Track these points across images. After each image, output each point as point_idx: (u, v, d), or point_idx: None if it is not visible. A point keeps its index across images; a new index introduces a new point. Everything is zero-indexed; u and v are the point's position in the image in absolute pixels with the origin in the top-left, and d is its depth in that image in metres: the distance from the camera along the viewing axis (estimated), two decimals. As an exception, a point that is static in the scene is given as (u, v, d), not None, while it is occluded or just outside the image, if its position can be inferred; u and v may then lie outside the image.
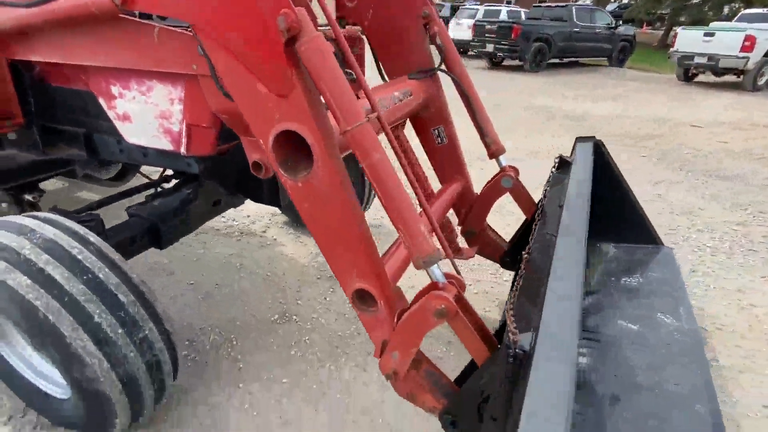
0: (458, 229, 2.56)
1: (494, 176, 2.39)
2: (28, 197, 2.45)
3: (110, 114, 1.95)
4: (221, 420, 1.96)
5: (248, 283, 2.94)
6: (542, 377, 1.05)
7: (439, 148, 2.48)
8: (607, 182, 2.62)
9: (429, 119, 2.42)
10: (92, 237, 1.64)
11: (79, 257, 1.54)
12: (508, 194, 2.39)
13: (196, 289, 2.87)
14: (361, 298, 1.56)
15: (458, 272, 1.50)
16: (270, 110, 1.39)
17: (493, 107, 8.50)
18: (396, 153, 1.51)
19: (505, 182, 2.36)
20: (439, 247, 1.48)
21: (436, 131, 2.45)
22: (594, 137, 2.59)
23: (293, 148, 1.42)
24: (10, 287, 1.44)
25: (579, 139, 2.63)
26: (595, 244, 2.76)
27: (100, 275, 1.54)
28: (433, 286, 1.41)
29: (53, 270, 1.48)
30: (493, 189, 2.40)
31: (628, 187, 2.62)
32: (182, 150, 1.85)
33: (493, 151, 2.33)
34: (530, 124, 7.40)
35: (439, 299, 1.36)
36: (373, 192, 3.43)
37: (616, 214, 2.70)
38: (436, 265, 1.40)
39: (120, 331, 1.54)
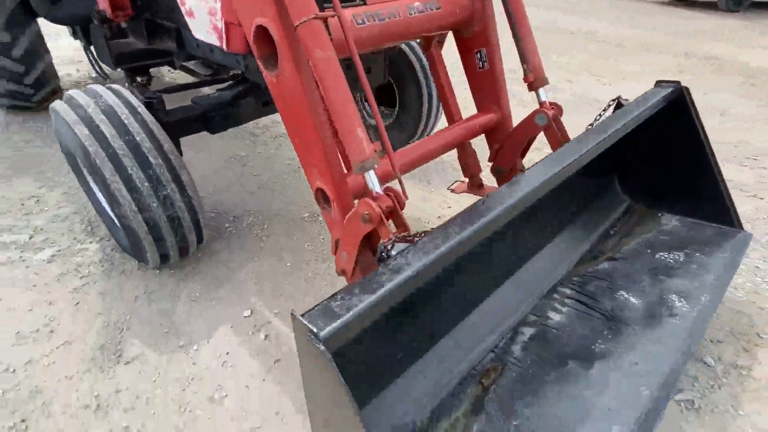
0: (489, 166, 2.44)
1: (532, 112, 2.17)
2: (139, 79, 3.05)
3: (182, 10, 2.27)
4: (231, 279, 2.38)
5: (298, 184, 3.28)
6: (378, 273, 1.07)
7: (480, 73, 2.31)
8: (685, 142, 2.18)
9: (471, 39, 2.25)
10: (141, 108, 2.05)
11: (125, 121, 1.95)
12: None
13: (257, 181, 3.32)
14: (324, 197, 1.70)
15: (403, 190, 1.52)
16: (250, 6, 1.52)
17: (637, 47, 7.16)
18: (357, 65, 1.49)
19: (539, 120, 2.14)
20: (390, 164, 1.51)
21: (479, 54, 2.28)
22: (679, 82, 2.14)
23: (272, 44, 1.54)
24: (77, 135, 1.93)
25: (659, 83, 2.20)
26: (656, 214, 2.38)
27: (138, 138, 1.95)
28: (368, 193, 1.47)
29: (104, 127, 1.92)
30: (526, 127, 2.20)
31: (711, 153, 2.15)
32: (223, 45, 2.10)
33: (532, 81, 2.10)
34: (674, 75, 6.08)
35: (366, 206, 1.42)
36: (433, 118, 3.38)
37: (691, 182, 2.27)
38: (371, 173, 1.45)
39: (146, 184, 1.95)
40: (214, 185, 3.23)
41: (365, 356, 1.33)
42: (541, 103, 2.14)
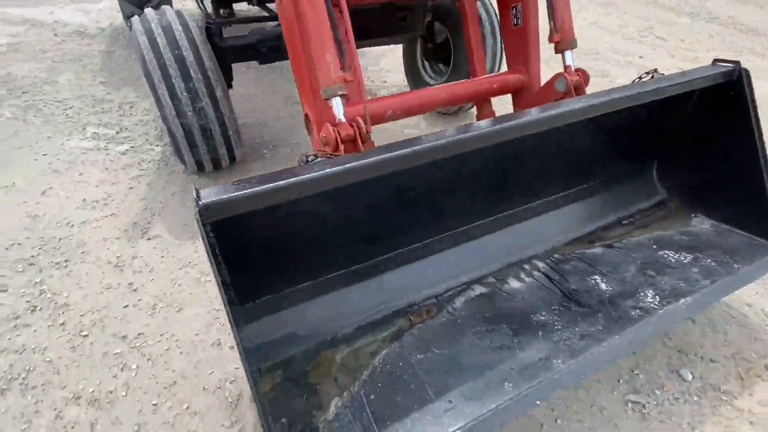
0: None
1: (553, 75, 2.04)
2: (222, 11, 3.41)
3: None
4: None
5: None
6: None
7: (513, 30, 2.22)
8: (735, 136, 1.90)
9: (507, -7, 2.15)
10: (193, 29, 2.35)
11: (177, 37, 2.27)
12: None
13: (297, 117, 3.56)
14: (309, 122, 1.85)
15: (367, 121, 1.59)
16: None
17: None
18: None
19: (559, 84, 2.01)
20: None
21: (514, 10, 2.18)
22: (738, 63, 1.84)
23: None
24: (140, 45, 2.30)
25: (716, 61, 1.91)
26: (689, 214, 2.14)
27: (184, 53, 2.26)
28: (332, 120, 1.58)
29: (159, 40, 2.26)
30: (546, 91, 2.08)
31: (763, 153, 1.84)
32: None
33: (558, 41, 1.97)
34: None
35: (326, 129, 1.54)
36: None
37: (735, 184, 1.99)
38: (337, 100, 1.55)
39: (185, 94, 2.28)
40: (266, 119, 3.56)
41: (273, 252, 1.46)
42: (566, 68, 2.01)
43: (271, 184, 1.13)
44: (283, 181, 1.14)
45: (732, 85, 1.85)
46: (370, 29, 2.55)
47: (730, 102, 1.89)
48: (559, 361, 1.41)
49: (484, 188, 1.89)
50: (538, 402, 1.30)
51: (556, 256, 1.93)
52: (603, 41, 5.52)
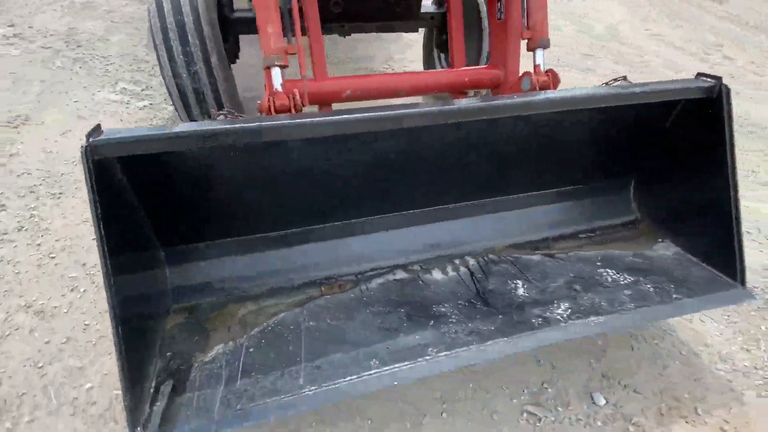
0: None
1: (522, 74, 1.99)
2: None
3: None
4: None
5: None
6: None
7: (496, 24, 2.17)
8: (709, 160, 1.76)
9: (493, -13, 2.11)
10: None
11: (181, 3, 2.45)
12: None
13: None
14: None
15: (304, 94, 1.66)
16: None
17: None
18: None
19: (524, 83, 1.95)
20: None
21: (499, 4, 2.12)
22: (720, 78, 1.70)
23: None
24: (149, 10, 2.50)
25: (700, 75, 1.77)
26: (656, 238, 2.01)
27: (185, 19, 2.43)
28: (270, 89, 1.66)
29: (165, 5, 2.44)
30: (514, 89, 2.02)
31: (733, 181, 1.70)
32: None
33: (529, 39, 1.91)
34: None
35: (264, 97, 1.63)
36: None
37: (704, 212, 1.85)
38: (276, 70, 1.63)
39: (181, 57, 2.46)
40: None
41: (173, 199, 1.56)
42: (535, 67, 1.94)
43: (157, 132, 1.24)
44: (170, 131, 1.24)
45: (711, 102, 1.71)
46: (363, 13, 2.59)
47: (708, 122, 1.75)
48: (435, 350, 1.41)
49: (439, 175, 1.88)
50: (395, 383, 1.32)
51: (491, 256, 1.89)
52: (659, 55, 5.14)
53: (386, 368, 1.33)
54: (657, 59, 4.99)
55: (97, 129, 1.24)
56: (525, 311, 1.58)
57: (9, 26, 4.32)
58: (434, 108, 1.49)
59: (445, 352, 1.39)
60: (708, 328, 2.01)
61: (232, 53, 2.91)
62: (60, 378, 1.64)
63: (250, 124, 1.29)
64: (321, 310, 1.62)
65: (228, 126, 1.26)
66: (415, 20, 2.76)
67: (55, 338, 1.74)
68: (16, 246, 2.11)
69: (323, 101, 1.97)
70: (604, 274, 1.79)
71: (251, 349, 1.46)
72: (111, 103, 3.30)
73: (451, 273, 1.81)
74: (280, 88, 1.64)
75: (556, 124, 1.88)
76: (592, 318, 1.53)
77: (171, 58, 2.45)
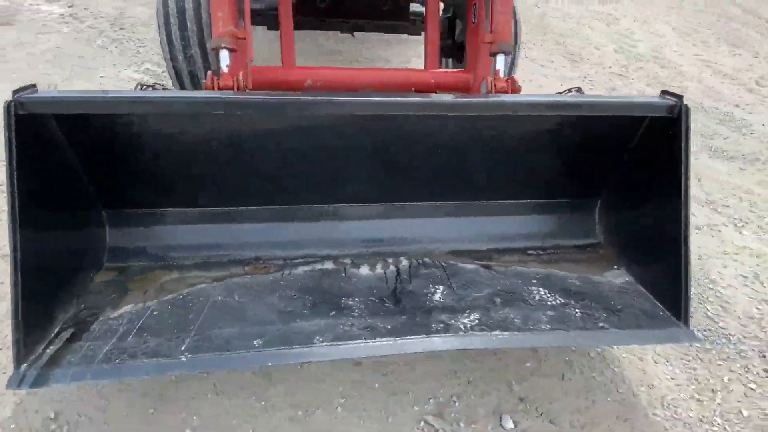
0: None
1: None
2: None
3: None
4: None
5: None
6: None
7: (471, 28, 2.13)
8: (665, 185, 1.64)
9: (470, -10, 2.07)
10: (203, -14, 2.66)
11: (185, -9, 2.61)
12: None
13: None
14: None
15: (248, 77, 1.71)
16: None
17: None
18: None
19: (482, 88, 1.89)
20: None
21: (474, 6, 2.08)
22: (681, 97, 1.58)
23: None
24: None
25: (664, 93, 1.66)
26: (612, 265, 1.89)
27: (186, 5, 2.58)
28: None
29: (170, -9, 2.61)
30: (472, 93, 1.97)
31: (686, 207, 1.57)
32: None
33: (491, 43, 1.86)
34: None
35: (209, 76, 1.70)
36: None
37: (655, 240, 1.73)
38: (224, 54, 1.70)
39: (179, 41, 2.61)
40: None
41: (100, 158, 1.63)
42: (495, 72, 1.88)
43: (83, 95, 1.34)
44: (93, 95, 1.34)
45: (672, 123, 1.59)
46: (349, 10, 2.62)
47: (668, 143, 1.62)
48: (321, 339, 1.40)
49: (387, 171, 1.88)
50: (269, 364, 1.33)
51: (425, 259, 1.85)
52: (701, 81, 4.78)
53: (265, 349, 1.34)
54: (697, 86, 4.65)
55: (29, 87, 1.35)
56: (431, 316, 1.53)
57: (69, 6, 4.78)
58: (369, 98, 1.51)
59: (328, 343, 1.38)
60: (659, 370, 1.85)
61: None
62: None
63: (170, 95, 1.37)
64: (236, 287, 1.66)
65: (143, 95, 1.34)
66: (406, 21, 2.75)
67: None
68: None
69: (283, 88, 2.03)
70: (535, 292, 1.70)
71: (155, 312, 1.52)
72: (132, 81, 3.55)
73: (379, 270, 1.79)
74: (225, 69, 1.71)
75: (512, 132, 1.82)
76: (496, 332, 1.45)
77: (170, 42, 2.61)
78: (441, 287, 1.70)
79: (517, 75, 4.37)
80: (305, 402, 1.59)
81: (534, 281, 1.76)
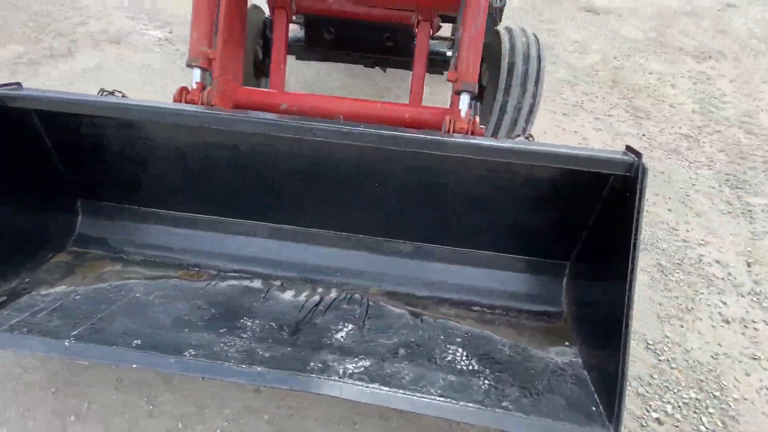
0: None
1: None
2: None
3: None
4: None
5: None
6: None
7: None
8: (615, 253, 1.42)
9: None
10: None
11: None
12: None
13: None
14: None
15: (211, 95, 1.82)
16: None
17: None
18: None
19: (444, 126, 1.79)
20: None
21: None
22: (641, 155, 1.37)
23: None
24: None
25: (628, 149, 1.45)
26: (563, 341, 1.66)
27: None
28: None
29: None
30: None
31: (629, 280, 1.34)
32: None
33: (455, 81, 1.78)
34: None
35: (177, 90, 1.85)
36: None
37: (602, 320, 1.49)
38: (196, 71, 1.84)
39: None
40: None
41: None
42: (457, 111, 1.79)
43: (54, 95, 1.54)
44: (65, 97, 1.54)
45: (631, 183, 1.37)
46: (353, 44, 2.68)
47: (621, 209, 1.39)
48: (192, 351, 1.38)
49: (341, 200, 1.86)
50: (132, 365, 1.34)
51: (355, 295, 1.76)
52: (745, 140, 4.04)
53: (133, 350, 1.36)
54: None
55: (13, 84, 1.59)
56: (318, 354, 1.44)
57: (169, 32, 5.58)
58: (286, 121, 1.53)
59: (196, 357, 1.35)
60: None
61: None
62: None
63: (122, 102, 1.53)
64: (159, 288, 1.72)
65: (99, 100, 1.51)
66: (409, 57, 2.74)
67: None
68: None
69: (260, 109, 2.13)
70: (451, 351, 1.51)
71: (77, 297, 1.63)
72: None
73: (301, 298, 1.74)
74: (194, 86, 1.84)
75: (465, 175, 1.70)
76: (373, 386, 1.30)
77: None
78: (351, 326, 1.59)
79: (561, 125, 4.08)
80: (189, 415, 1.56)
81: (458, 340, 1.58)
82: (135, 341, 1.42)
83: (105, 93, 1.68)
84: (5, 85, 1.57)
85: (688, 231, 2.73)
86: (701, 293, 2.28)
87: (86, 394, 1.59)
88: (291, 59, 3.24)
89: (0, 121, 1.57)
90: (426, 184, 1.76)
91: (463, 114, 1.77)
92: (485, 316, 1.73)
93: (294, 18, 2.71)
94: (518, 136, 1.58)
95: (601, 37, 6.99)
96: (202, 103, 1.82)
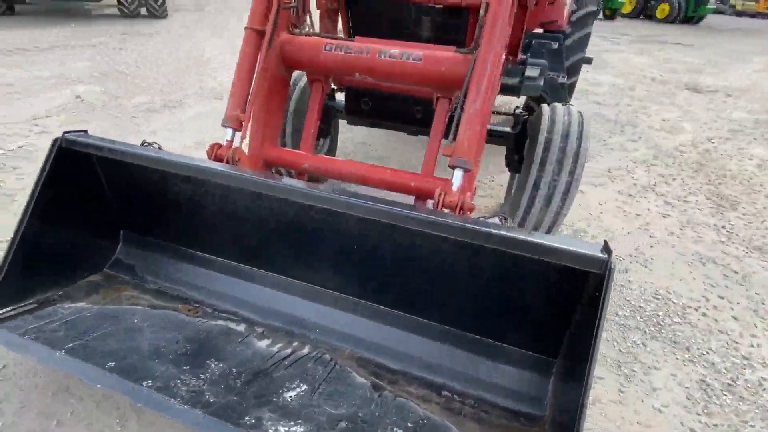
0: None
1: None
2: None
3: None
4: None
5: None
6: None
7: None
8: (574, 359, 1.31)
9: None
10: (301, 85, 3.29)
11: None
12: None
13: None
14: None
15: (238, 152, 2.05)
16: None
17: None
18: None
19: (430, 202, 1.79)
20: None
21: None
22: (610, 252, 1.27)
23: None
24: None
25: (606, 243, 1.34)
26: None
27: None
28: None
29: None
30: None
31: (583, 394, 1.20)
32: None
33: (449, 155, 1.79)
34: None
35: (210, 146, 2.12)
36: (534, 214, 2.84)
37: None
38: (228, 130, 2.10)
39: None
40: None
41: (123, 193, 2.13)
42: (448, 186, 1.79)
43: (107, 144, 1.87)
44: (119, 147, 1.86)
45: (599, 280, 1.25)
46: (387, 114, 2.80)
47: (589, 309, 1.26)
48: (149, 383, 1.48)
49: (337, 262, 1.93)
50: (90, 382, 1.47)
51: (326, 355, 1.76)
52: None
53: (102, 370, 1.51)
54: None
55: (80, 131, 1.97)
56: (259, 409, 1.45)
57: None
58: (274, 182, 1.67)
59: (147, 389, 1.45)
60: None
61: (326, 132, 3.56)
62: None
63: (155, 155, 1.81)
64: (157, 318, 1.89)
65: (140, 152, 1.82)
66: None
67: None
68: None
69: (284, 166, 2.35)
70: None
71: (88, 315, 1.86)
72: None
73: (274, 348, 1.78)
74: (224, 143, 2.10)
75: (447, 251, 1.67)
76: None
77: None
78: (305, 387, 1.58)
79: (624, 206, 3.72)
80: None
81: (409, 425, 1.48)
82: (110, 363, 1.57)
83: (146, 144, 1.98)
84: (74, 131, 1.96)
85: (752, 347, 2.28)
86: (751, 426, 1.86)
87: (74, 404, 1.76)
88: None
89: (67, 160, 1.93)
90: (413, 257, 1.75)
91: (455, 188, 1.77)
92: (453, 404, 1.60)
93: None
94: (495, 216, 1.51)
95: (699, 117, 6.46)
96: (227, 160, 2.05)
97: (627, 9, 20.51)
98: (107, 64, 7.03)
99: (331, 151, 3.90)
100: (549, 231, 2.96)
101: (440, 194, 1.76)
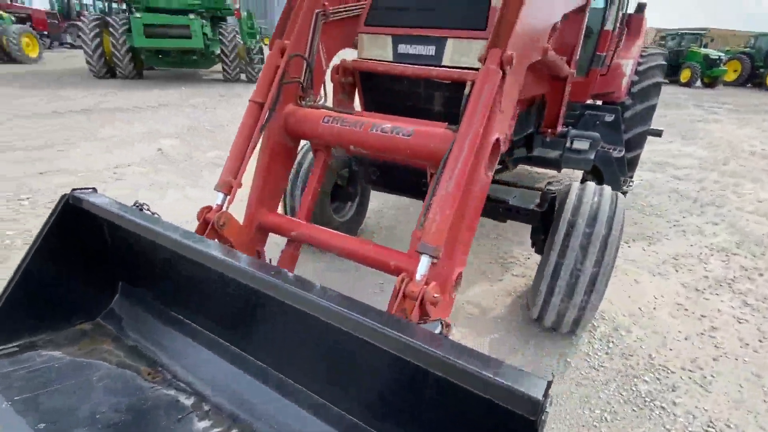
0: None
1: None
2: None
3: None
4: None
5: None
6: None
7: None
8: None
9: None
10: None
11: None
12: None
13: None
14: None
15: (220, 219, 2.07)
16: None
17: None
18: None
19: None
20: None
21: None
22: (549, 383, 1.01)
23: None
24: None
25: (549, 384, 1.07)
26: None
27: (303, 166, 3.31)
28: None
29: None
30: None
31: None
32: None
33: (418, 239, 1.62)
34: None
35: (201, 209, 2.17)
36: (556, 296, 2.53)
37: None
38: (219, 195, 2.15)
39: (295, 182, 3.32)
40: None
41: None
42: (412, 274, 1.60)
43: (107, 207, 1.99)
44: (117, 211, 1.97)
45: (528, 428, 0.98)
46: (394, 184, 2.69)
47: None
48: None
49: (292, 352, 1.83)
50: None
51: None
52: None
53: (22, 426, 1.49)
54: None
55: (89, 189, 2.13)
56: None
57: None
58: (239, 265, 1.62)
59: None
60: None
61: (353, 196, 3.56)
62: None
63: (146, 224, 1.89)
64: (117, 377, 1.87)
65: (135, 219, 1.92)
66: None
67: None
68: None
69: (276, 232, 2.34)
70: None
71: (58, 366, 1.90)
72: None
73: (214, 430, 1.65)
74: (214, 206, 2.13)
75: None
76: None
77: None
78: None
79: (686, 303, 3.10)
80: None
81: None
82: (40, 425, 1.56)
83: (137, 205, 2.08)
84: (84, 188, 2.12)
85: None
86: None
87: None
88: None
89: (75, 215, 2.09)
90: (347, 356, 1.57)
91: (418, 277, 1.57)
92: None
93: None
94: (435, 320, 1.28)
95: (804, 198, 5.47)
96: (212, 225, 2.08)
97: (731, 77, 18.86)
98: (198, 121, 7.95)
99: (359, 215, 3.88)
100: (574, 327, 2.57)
101: (403, 281, 1.58)
